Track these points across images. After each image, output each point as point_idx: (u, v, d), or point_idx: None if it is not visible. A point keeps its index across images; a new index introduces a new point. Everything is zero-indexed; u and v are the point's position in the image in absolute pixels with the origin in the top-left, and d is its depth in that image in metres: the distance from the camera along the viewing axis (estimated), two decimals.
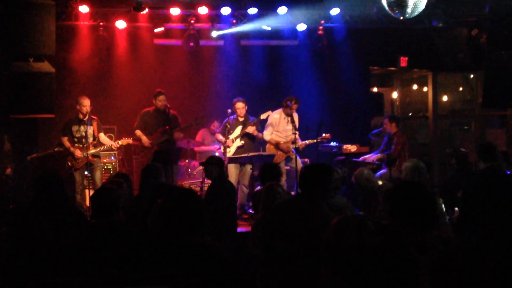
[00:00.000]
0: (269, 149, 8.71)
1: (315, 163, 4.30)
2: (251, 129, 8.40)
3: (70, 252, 3.57)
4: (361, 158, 9.01)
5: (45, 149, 9.03)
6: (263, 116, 8.52)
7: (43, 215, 4.10)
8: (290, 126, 8.46)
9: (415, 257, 2.25)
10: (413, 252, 2.36)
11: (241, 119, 8.60)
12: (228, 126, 8.50)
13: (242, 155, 8.28)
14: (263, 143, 8.97)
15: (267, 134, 8.68)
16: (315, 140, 8.42)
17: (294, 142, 8.44)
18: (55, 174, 5.06)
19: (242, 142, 8.51)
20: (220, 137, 8.64)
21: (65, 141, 8.22)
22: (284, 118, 8.60)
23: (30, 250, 3.77)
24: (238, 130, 8.53)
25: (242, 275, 2.66)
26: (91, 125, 8.21)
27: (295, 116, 8.62)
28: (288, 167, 8.79)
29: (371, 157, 8.91)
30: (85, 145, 8.14)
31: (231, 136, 8.50)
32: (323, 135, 8.58)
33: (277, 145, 8.59)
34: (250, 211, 7.90)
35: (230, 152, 8.45)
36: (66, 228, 3.99)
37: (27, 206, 4.66)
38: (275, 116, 8.65)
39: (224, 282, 2.52)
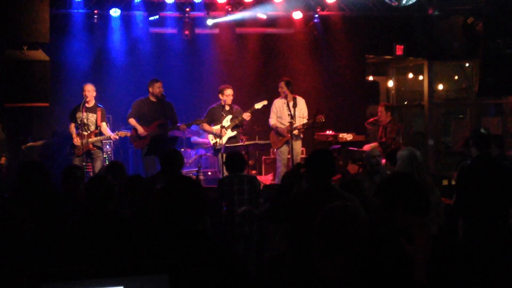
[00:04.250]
0: (272, 135, 8.66)
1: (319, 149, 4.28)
2: (246, 115, 8.24)
3: (64, 241, 3.56)
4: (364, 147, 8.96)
5: (39, 138, 8.98)
6: (257, 106, 8.29)
7: (26, 204, 4.07)
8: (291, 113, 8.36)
9: (406, 247, 2.22)
10: (403, 242, 2.34)
11: (227, 108, 8.31)
12: (224, 115, 8.25)
13: (238, 144, 8.20)
14: (260, 132, 8.94)
15: (272, 120, 8.64)
16: (311, 121, 8.20)
17: (291, 129, 8.37)
18: (38, 161, 4.99)
19: (235, 132, 8.33)
20: (207, 127, 8.36)
21: (71, 127, 8.11)
22: (285, 104, 8.44)
23: (18, 240, 3.75)
24: (227, 120, 8.23)
25: (244, 265, 2.64)
26: (95, 113, 8.14)
27: (301, 101, 8.50)
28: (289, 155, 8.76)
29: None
30: (87, 132, 8.05)
31: (218, 126, 8.19)
32: (318, 116, 8.37)
33: (276, 130, 8.55)
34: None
35: (222, 142, 8.16)
36: (49, 216, 3.98)
37: (10, 195, 4.60)
38: (277, 103, 8.59)
39: (225, 271, 2.51)
